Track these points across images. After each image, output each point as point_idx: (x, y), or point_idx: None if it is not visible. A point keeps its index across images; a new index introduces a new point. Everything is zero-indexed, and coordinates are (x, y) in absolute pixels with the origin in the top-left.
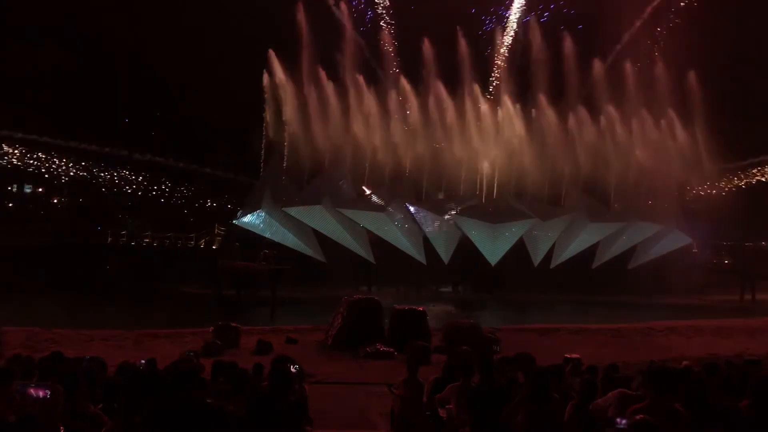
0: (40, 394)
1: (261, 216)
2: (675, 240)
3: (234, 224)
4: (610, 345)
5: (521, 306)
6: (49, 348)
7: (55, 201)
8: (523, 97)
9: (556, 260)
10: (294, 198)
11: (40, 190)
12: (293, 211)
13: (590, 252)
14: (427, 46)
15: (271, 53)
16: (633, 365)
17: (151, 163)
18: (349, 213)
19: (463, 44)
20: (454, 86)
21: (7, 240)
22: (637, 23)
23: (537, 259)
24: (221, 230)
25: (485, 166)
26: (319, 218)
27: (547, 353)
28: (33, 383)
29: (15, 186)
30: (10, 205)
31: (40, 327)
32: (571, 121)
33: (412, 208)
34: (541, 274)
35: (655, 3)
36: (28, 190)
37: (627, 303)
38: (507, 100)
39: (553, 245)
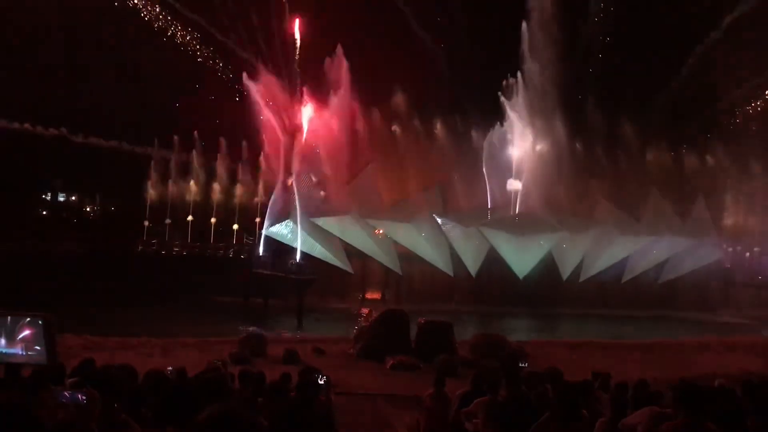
0: (78, 398)
1: (289, 226)
2: (707, 254)
3: (263, 234)
4: (641, 361)
5: (550, 319)
6: (79, 355)
7: (88, 209)
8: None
9: (586, 274)
10: (323, 208)
11: (74, 198)
12: (321, 221)
13: (621, 266)
14: None
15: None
16: (664, 382)
17: None
18: (376, 223)
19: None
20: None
21: (40, 247)
22: None
23: (566, 272)
24: (249, 240)
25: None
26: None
27: (576, 368)
28: (69, 389)
29: (49, 194)
30: (44, 213)
31: (71, 333)
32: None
33: (439, 220)
34: (570, 288)
35: None
36: (62, 199)
37: (657, 318)
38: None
39: (582, 259)
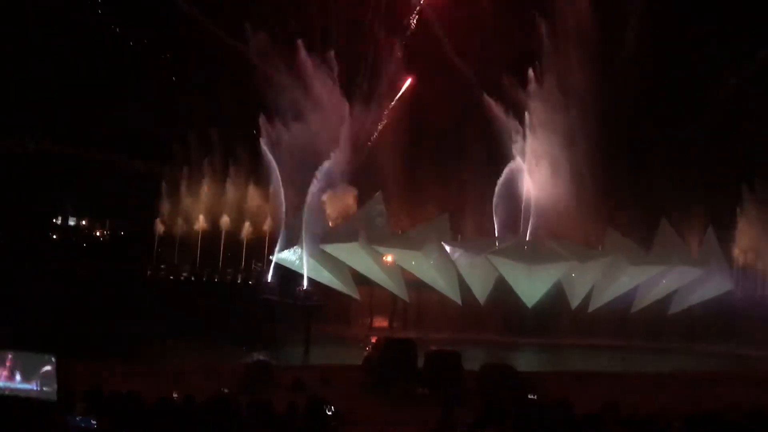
0: (90, 424)
1: (297, 252)
2: (718, 285)
3: (271, 260)
4: (651, 392)
5: (559, 349)
6: (89, 381)
7: (98, 234)
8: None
9: (595, 304)
10: (330, 235)
11: (84, 222)
12: (329, 247)
13: (631, 295)
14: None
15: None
16: (673, 414)
17: None
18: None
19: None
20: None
21: (50, 271)
22: None
23: (575, 302)
24: (258, 266)
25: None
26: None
27: (585, 400)
28: (80, 415)
29: (60, 218)
30: (54, 237)
31: (80, 360)
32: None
33: (448, 247)
34: (579, 318)
35: None
36: (72, 223)
37: (669, 349)
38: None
39: (592, 288)
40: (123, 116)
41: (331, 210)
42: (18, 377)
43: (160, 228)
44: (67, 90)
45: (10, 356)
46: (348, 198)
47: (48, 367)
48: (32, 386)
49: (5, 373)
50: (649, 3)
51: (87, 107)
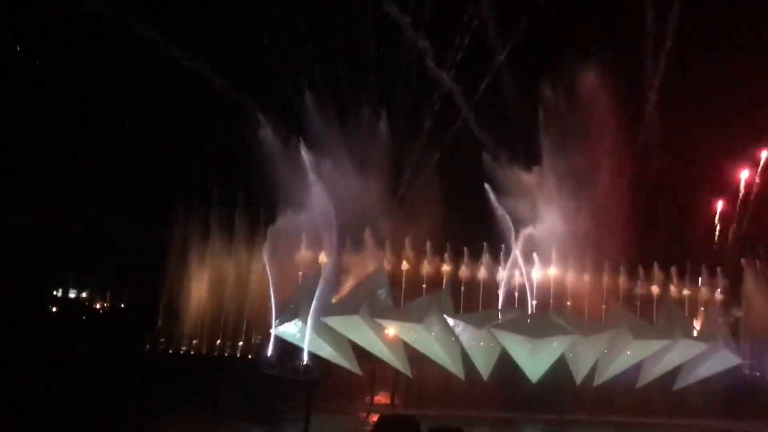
0: None
1: (298, 325)
2: (724, 359)
3: (271, 333)
4: None
5: (564, 426)
6: None
7: (98, 306)
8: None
9: (600, 379)
10: (331, 307)
11: (84, 294)
12: (330, 320)
13: (635, 370)
14: None
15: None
16: None
17: None
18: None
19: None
20: None
21: (48, 345)
22: None
23: (580, 377)
24: (258, 338)
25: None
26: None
27: None
28: None
29: (60, 290)
30: (54, 309)
31: None
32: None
33: (451, 321)
34: (584, 393)
35: None
36: (72, 295)
37: (676, 426)
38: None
39: (596, 363)
40: (125, 185)
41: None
42: None
43: (161, 300)
44: (72, 157)
45: None
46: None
47: None
48: None
49: None
50: None
51: (90, 174)
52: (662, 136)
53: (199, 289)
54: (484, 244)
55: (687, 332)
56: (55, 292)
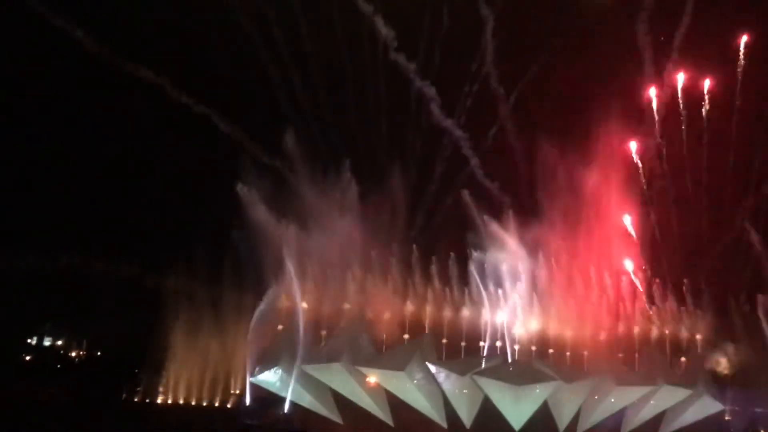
0: None
1: (278, 374)
2: (705, 406)
3: (250, 382)
4: None
5: None
6: None
7: (74, 354)
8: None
9: (583, 426)
10: (312, 355)
11: (60, 342)
12: (311, 368)
13: (619, 417)
14: None
15: None
16: None
17: None
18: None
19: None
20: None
21: (22, 395)
22: None
23: (563, 424)
24: (237, 389)
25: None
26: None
27: None
28: None
29: (35, 338)
30: (28, 358)
31: None
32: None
33: (433, 368)
34: None
35: None
36: (47, 343)
37: None
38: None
39: (579, 410)
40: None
41: None
42: None
43: (139, 348)
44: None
45: None
46: None
47: None
48: None
49: None
50: None
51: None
52: None
53: (178, 338)
54: (466, 290)
55: (668, 378)
56: (29, 341)
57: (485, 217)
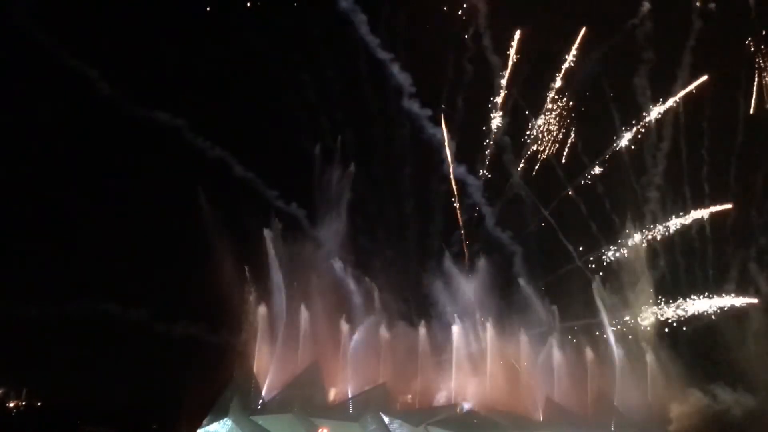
0: None
1: (228, 425)
2: None
3: None
4: None
5: None
6: None
7: (12, 405)
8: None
9: None
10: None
11: None
12: (261, 419)
13: None
14: None
15: None
16: None
17: None
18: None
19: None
20: None
21: None
22: None
23: None
24: None
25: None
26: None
27: None
28: None
29: None
30: None
31: None
32: None
33: (386, 419)
34: None
35: None
36: None
37: None
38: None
39: None
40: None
41: None
42: None
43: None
44: None
45: None
46: None
47: None
48: None
49: None
50: None
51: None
52: None
53: (126, 386)
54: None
55: (623, 424)
56: None
57: None
